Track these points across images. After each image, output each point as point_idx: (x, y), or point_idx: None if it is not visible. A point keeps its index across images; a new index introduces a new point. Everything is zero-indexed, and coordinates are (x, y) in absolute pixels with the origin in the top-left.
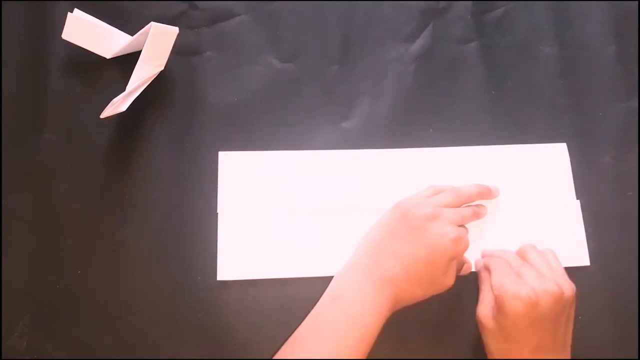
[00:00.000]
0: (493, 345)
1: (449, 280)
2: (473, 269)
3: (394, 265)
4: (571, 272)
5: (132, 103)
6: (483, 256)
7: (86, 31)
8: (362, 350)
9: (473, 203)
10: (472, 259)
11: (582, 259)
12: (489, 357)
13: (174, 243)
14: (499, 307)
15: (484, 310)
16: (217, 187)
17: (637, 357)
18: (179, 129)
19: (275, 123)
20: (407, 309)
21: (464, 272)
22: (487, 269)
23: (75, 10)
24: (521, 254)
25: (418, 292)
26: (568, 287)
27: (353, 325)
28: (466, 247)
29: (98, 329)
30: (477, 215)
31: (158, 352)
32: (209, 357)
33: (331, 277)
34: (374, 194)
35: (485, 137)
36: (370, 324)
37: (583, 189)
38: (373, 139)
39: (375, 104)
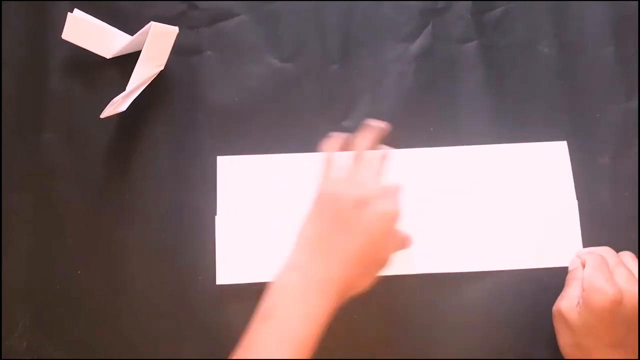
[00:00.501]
0: (570, 340)
1: (388, 255)
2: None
3: (335, 262)
4: (566, 272)
5: (132, 103)
6: (578, 255)
7: (86, 31)
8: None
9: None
10: (467, 258)
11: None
12: (562, 353)
13: (174, 242)
14: (586, 301)
15: (568, 304)
16: (217, 187)
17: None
18: (179, 128)
19: (276, 122)
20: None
21: (407, 246)
22: (583, 264)
23: (75, 10)
24: (618, 256)
25: (363, 281)
26: None
27: (288, 343)
28: (398, 215)
29: (98, 329)
30: (383, 158)
31: (158, 352)
32: (208, 357)
33: None
34: None
35: (485, 136)
36: (308, 333)
37: (581, 189)
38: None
39: (375, 104)
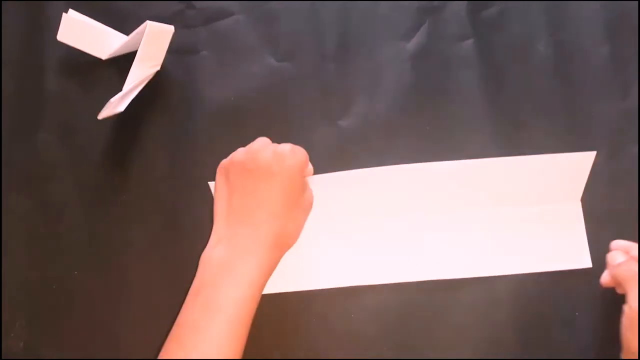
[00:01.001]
0: None
1: (310, 195)
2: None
3: (255, 223)
4: (573, 274)
5: (129, 103)
6: (614, 248)
7: (81, 32)
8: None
9: None
10: (469, 263)
11: (585, 260)
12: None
13: (171, 243)
14: None
15: None
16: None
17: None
18: (176, 128)
19: (272, 122)
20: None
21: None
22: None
23: (70, 11)
24: None
25: (293, 227)
26: None
27: (223, 312)
28: (303, 153)
29: (95, 330)
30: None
31: (155, 353)
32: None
33: (325, 290)
34: (374, 211)
35: (481, 134)
36: (242, 297)
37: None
38: (370, 136)
39: (372, 102)
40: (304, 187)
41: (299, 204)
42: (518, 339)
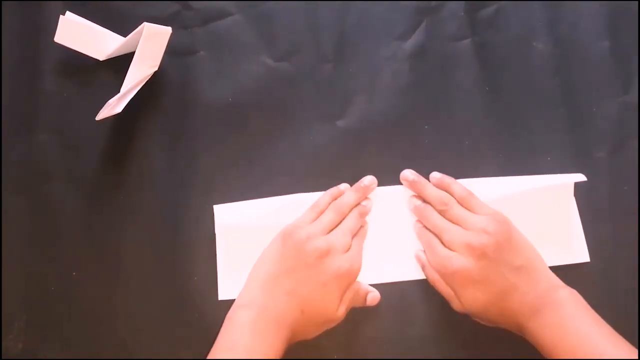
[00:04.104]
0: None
1: (341, 315)
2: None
3: (290, 305)
4: (572, 269)
5: (127, 104)
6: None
7: (79, 34)
8: None
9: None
10: None
11: (582, 255)
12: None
13: (169, 244)
14: None
15: None
16: (214, 186)
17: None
18: (174, 129)
19: (270, 122)
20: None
21: (370, 303)
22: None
23: (67, 12)
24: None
25: (311, 330)
26: None
27: None
28: (356, 275)
29: (93, 331)
30: (362, 215)
31: (153, 354)
32: (205, 358)
33: None
34: (375, 212)
35: (479, 133)
36: None
37: (579, 183)
38: (368, 136)
39: (370, 102)
40: (339, 304)
41: (327, 320)
42: (518, 336)
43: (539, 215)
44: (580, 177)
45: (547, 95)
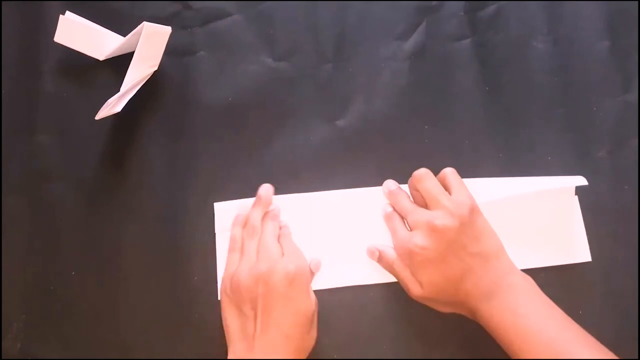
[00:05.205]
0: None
1: (314, 302)
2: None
3: (274, 339)
4: (573, 268)
5: (126, 104)
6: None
7: (78, 33)
8: None
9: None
10: None
11: (584, 255)
12: None
13: (169, 243)
14: None
15: None
16: (214, 186)
17: (637, 357)
18: (173, 129)
19: (270, 122)
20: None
21: (315, 271)
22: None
23: (67, 12)
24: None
25: (309, 337)
26: None
27: None
28: (306, 268)
29: (92, 331)
30: (274, 218)
31: (154, 353)
32: (204, 357)
33: (325, 290)
34: (369, 231)
35: (479, 133)
36: None
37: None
38: (368, 136)
39: (369, 102)
40: (310, 301)
41: (306, 313)
42: None
43: (541, 214)
44: (582, 181)
45: (546, 95)
